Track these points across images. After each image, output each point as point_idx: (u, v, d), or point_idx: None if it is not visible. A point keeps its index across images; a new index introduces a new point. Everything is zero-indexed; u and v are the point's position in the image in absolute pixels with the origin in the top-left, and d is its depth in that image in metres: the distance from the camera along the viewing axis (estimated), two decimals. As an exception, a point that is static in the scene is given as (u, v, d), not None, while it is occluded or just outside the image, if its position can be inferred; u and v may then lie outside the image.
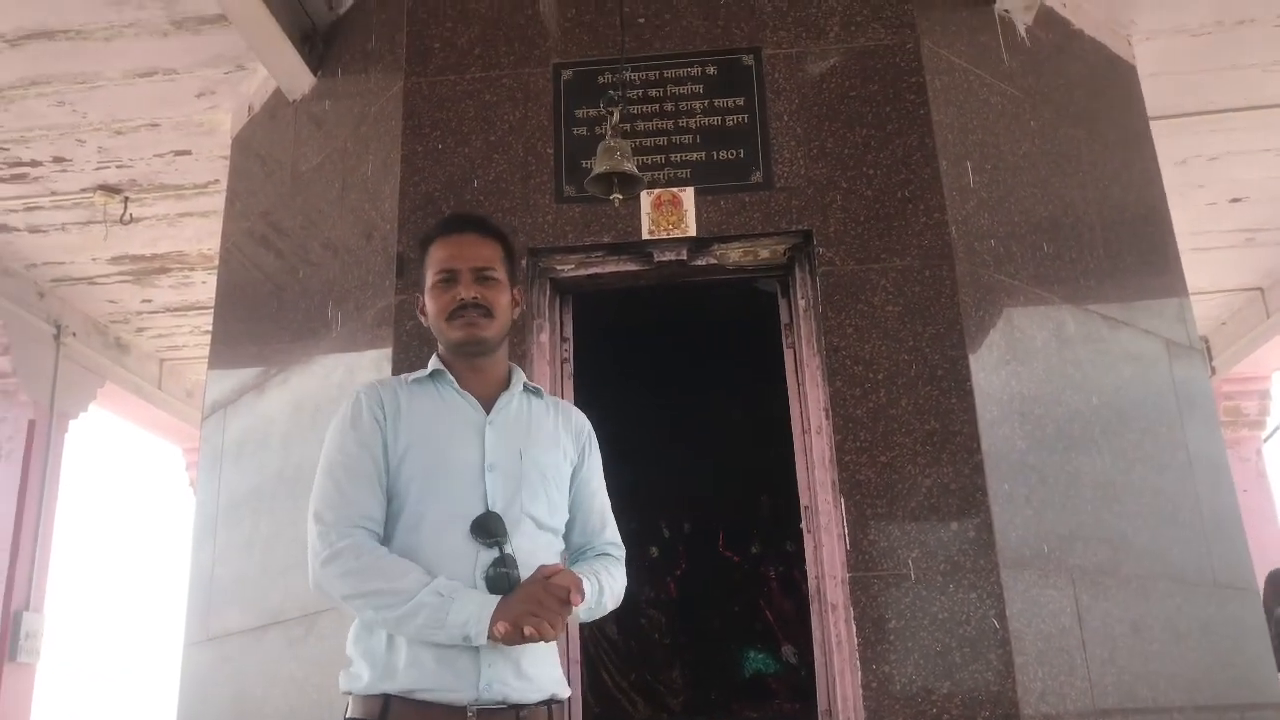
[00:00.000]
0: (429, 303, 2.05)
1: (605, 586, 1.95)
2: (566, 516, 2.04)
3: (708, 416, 6.06)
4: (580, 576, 1.86)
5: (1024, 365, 3.67)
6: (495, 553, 1.81)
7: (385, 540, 1.85)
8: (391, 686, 1.74)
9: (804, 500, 3.51)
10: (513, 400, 2.03)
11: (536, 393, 2.11)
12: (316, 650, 3.57)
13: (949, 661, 3.16)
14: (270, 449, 4.14)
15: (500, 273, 2.05)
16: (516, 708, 1.78)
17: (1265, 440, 8.28)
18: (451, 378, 2.01)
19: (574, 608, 1.78)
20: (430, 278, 2.04)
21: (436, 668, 1.74)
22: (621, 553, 2.11)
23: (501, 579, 1.78)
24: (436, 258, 2.04)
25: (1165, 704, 3.52)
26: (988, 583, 3.23)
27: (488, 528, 1.83)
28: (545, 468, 1.98)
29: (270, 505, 4.04)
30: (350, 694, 1.81)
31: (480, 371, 2.03)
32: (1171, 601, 3.74)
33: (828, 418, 3.46)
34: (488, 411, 1.99)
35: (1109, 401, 3.89)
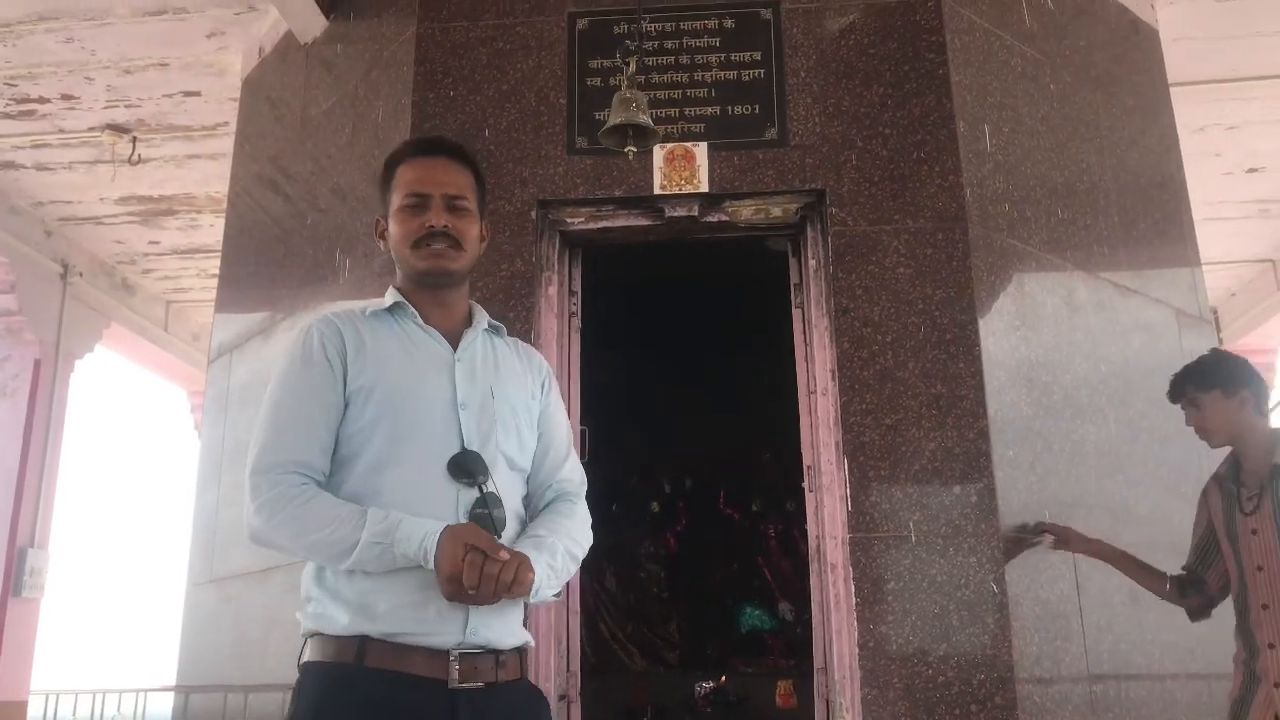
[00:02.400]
0: (393, 227, 1.92)
1: (561, 550, 1.80)
2: (532, 456, 1.95)
3: (713, 374, 6.06)
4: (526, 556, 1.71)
5: (1033, 331, 3.65)
6: (476, 492, 1.74)
7: (339, 484, 1.76)
8: (371, 629, 1.66)
9: (807, 460, 3.52)
10: (477, 337, 1.94)
11: (497, 331, 2.01)
12: (319, 594, 3.60)
13: (946, 624, 3.18)
14: (276, 394, 4.14)
15: (472, 203, 1.93)
16: (496, 652, 1.72)
17: (1271, 411, 8.26)
18: (414, 311, 1.90)
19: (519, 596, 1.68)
20: (397, 200, 1.91)
21: (421, 613, 1.67)
22: (583, 487, 2.00)
23: (485, 519, 1.73)
24: (405, 179, 1.91)
25: (1160, 672, 3.55)
26: (988, 547, 3.25)
27: (466, 467, 1.75)
28: (516, 405, 1.90)
29: (275, 450, 4.05)
30: (317, 634, 1.72)
31: (443, 306, 1.93)
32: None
33: (834, 379, 3.46)
34: (454, 348, 1.89)
35: (1117, 370, 3.88)
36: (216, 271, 5.15)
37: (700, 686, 5.47)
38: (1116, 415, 3.80)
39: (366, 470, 1.75)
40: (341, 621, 1.69)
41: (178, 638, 4.48)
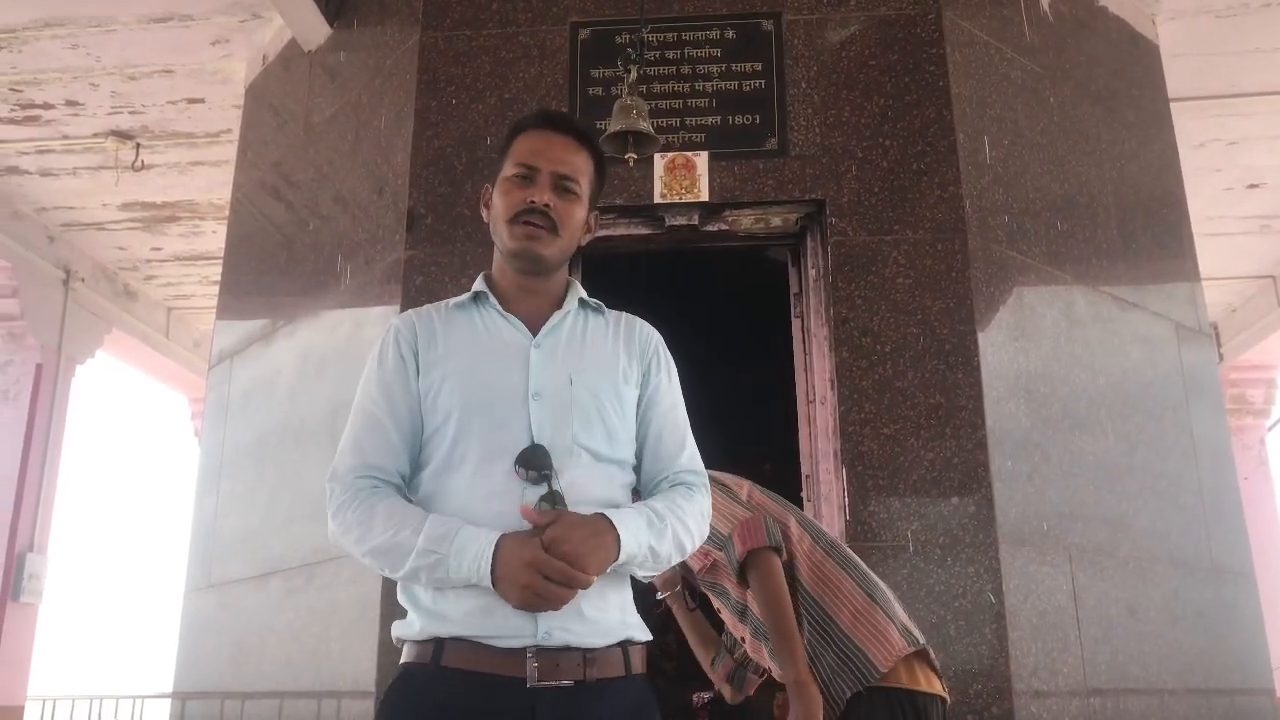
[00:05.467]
0: (497, 198, 1.80)
1: (668, 528, 1.66)
2: (634, 445, 1.78)
3: (712, 383, 6.05)
4: (612, 521, 1.58)
5: (1032, 343, 3.66)
6: (542, 489, 1.60)
7: (416, 487, 1.69)
8: (443, 630, 1.59)
9: (805, 469, 3.52)
10: (565, 320, 1.79)
11: (597, 309, 1.86)
12: (315, 600, 3.60)
13: (944, 634, 3.17)
14: (276, 401, 4.15)
15: (583, 187, 1.80)
16: (584, 650, 1.58)
17: (1269, 429, 8.27)
18: (494, 300, 1.79)
19: (589, 578, 1.53)
20: (507, 169, 1.79)
21: (489, 619, 1.57)
22: (701, 479, 1.81)
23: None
24: (520, 149, 1.79)
25: (1157, 685, 3.54)
26: (986, 558, 3.25)
27: (533, 461, 1.62)
28: (601, 392, 1.73)
29: (275, 456, 4.06)
30: (404, 640, 1.66)
31: (531, 293, 1.80)
32: (1168, 584, 3.75)
33: (833, 388, 3.46)
34: (534, 334, 1.76)
35: (1116, 383, 3.89)
36: (218, 278, 5.16)
37: (698, 697, 5.45)
38: (1115, 428, 3.80)
39: (440, 470, 1.67)
40: (417, 626, 1.63)
41: (175, 644, 4.48)
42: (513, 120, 1.93)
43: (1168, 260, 4.40)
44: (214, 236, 6.65)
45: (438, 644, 1.58)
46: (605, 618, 1.63)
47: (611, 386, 1.76)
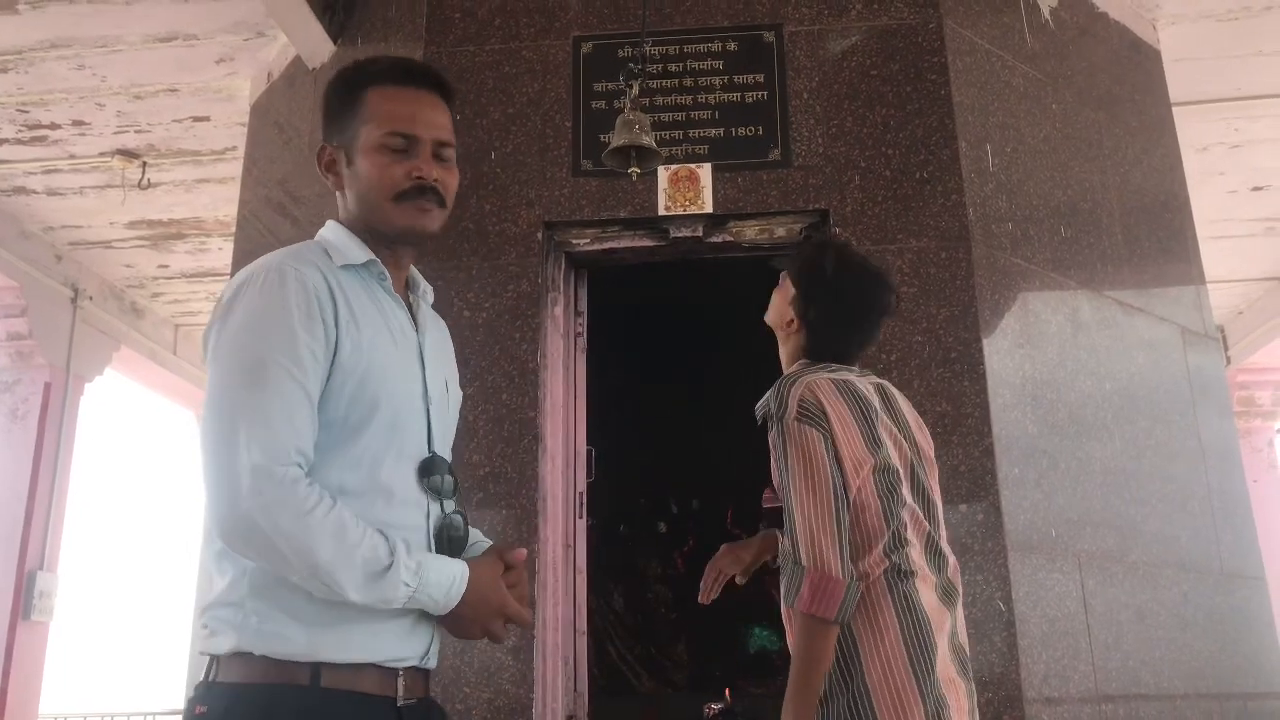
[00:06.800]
0: (366, 167, 1.59)
1: None
2: None
3: (719, 393, 6.06)
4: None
5: (1038, 350, 3.66)
6: (440, 505, 1.56)
7: (321, 477, 1.47)
8: (335, 654, 1.43)
9: (813, 479, 3.52)
10: (429, 314, 1.70)
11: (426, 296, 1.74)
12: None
13: (954, 643, 3.17)
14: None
15: (453, 151, 1.66)
16: (427, 672, 1.57)
17: (1278, 431, 8.24)
18: (386, 275, 1.61)
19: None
20: (373, 134, 1.59)
21: (401, 638, 1.48)
22: None
23: (458, 542, 1.57)
24: (386, 111, 1.59)
25: (1169, 691, 3.54)
26: (994, 565, 3.24)
27: (435, 475, 1.55)
28: (459, 401, 1.70)
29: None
30: (251, 654, 1.42)
31: (400, 269, 1.66)
32: (1178, 589, 3.74)
33: (839, 397, 3.46)
34: (413, 322, 1.64)
35: (1122, 388, 3.88)
36: (225, 294, 5.17)
37: (708, 708, 5.45)
38: (1122, 433, 3.80)
39: (346, 466, 1.48)
40: (298, 642, 1.42)
41: (186, 659, 4.48)
42: (351, 65, 1.68)
43: (1173, 264, 4.40)
44: (220, 253, 6.68)
45: (315, 669, 1.42)
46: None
47: (459, 393, 1.73)
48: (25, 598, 6.20)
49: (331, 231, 1.64)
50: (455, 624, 1.52)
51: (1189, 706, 3.57)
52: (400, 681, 1.50)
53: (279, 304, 1.46)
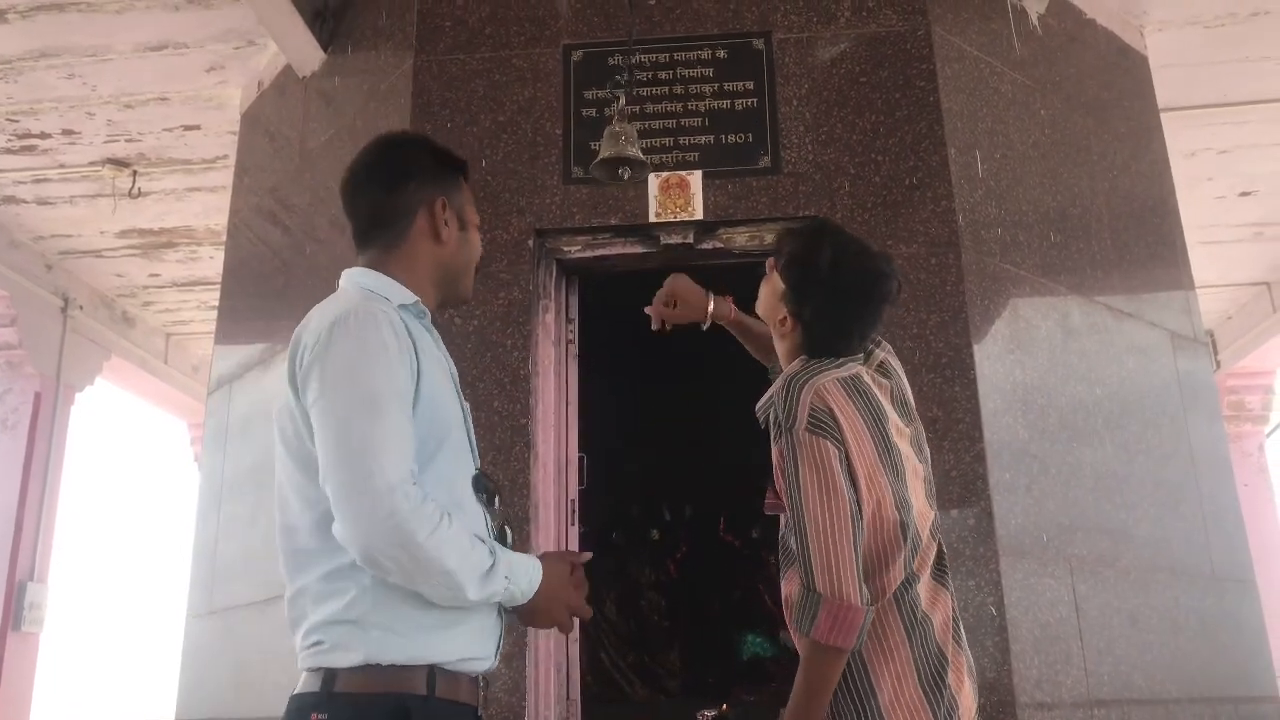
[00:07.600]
0: (476, 240, 1.90)
1: None
2: None
3: (711, 400, 6.07)
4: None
5: (1028, 355, 3.67)
6: (492, 514, 1.73)
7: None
8: (441, 656, 1.59)
9: (805, 485, 3.52)
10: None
11: None
12: (318, 625, 3.59)
13: (946, 648, 3.17)
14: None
15: None
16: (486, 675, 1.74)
17: (1268, 435, 8.27)
18: (427, 313, 1.81)
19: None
20: (475, 218, 1.90)
21: (488, 634, 1.67)
22: None
23: (507, 548, 1.73)
24: (468, 196, 1.90)
25: (1161, 695, 3.54)
26: (986, 570, 3.25)
27: (486, 487, 1.74)
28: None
29: (274, 481, 4.05)
30: (377, 665, 1.56)
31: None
32: (1169, 593, 3.75)
33: (831, 403, 3.46)
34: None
35: (1112, 393, 3.90)
36: (216, 304, 5.17)
37: (702, 715, 5.44)
38: (1113, 438, 3.81)
39: (439, 484, 1.63)
40: (409, 650, 1.57)
41: (177, 671, 4.47)
42: (445, 148, 1.94)
43: (1162, 269, 4.42)
44: (211, 262, 6.66)
45: (430, 672, 1.58)
46: None
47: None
48: (15, 609, 6.18)
49: (368, 278, 1.80)
50: (530, 615, 1.70)
51: (1181, 710, 3.57)
52: (481, 694, 1.69)
53: (377, 342, 1.62)
